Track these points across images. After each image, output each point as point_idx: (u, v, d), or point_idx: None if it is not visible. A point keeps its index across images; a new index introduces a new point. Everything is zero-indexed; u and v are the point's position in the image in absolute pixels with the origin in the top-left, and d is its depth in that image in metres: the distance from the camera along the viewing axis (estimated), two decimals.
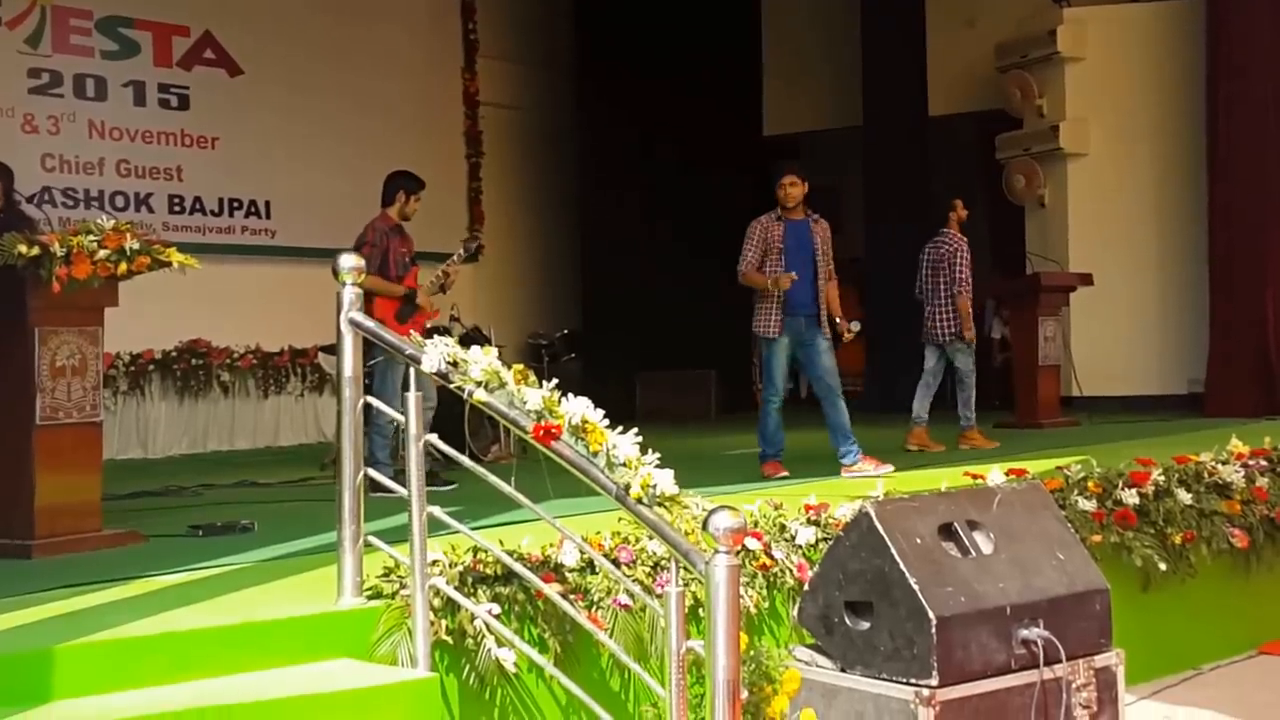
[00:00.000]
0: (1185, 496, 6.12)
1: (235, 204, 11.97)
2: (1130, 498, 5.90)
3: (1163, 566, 5.82)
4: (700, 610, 4.03)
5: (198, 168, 11.69)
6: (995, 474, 5.66)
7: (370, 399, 4.16)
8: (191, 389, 11.38)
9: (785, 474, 7.67)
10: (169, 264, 5.50)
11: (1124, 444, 8.71)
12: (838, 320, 7.93)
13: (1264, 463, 6.76)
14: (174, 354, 11.31)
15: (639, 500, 3.35)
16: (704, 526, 3.05)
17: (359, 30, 12.75)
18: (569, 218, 14.81)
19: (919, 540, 3.90)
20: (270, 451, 11.45)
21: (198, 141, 11.74)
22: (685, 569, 3.24)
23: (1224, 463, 6.55)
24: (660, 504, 3.33)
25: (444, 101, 13.66)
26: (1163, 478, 6.16)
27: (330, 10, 12.55)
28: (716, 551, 3.05)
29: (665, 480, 3.35)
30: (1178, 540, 5.96)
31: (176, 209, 11.58)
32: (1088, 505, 5.75)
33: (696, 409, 13.42)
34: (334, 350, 10.44)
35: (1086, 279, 11.29)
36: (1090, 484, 5.90)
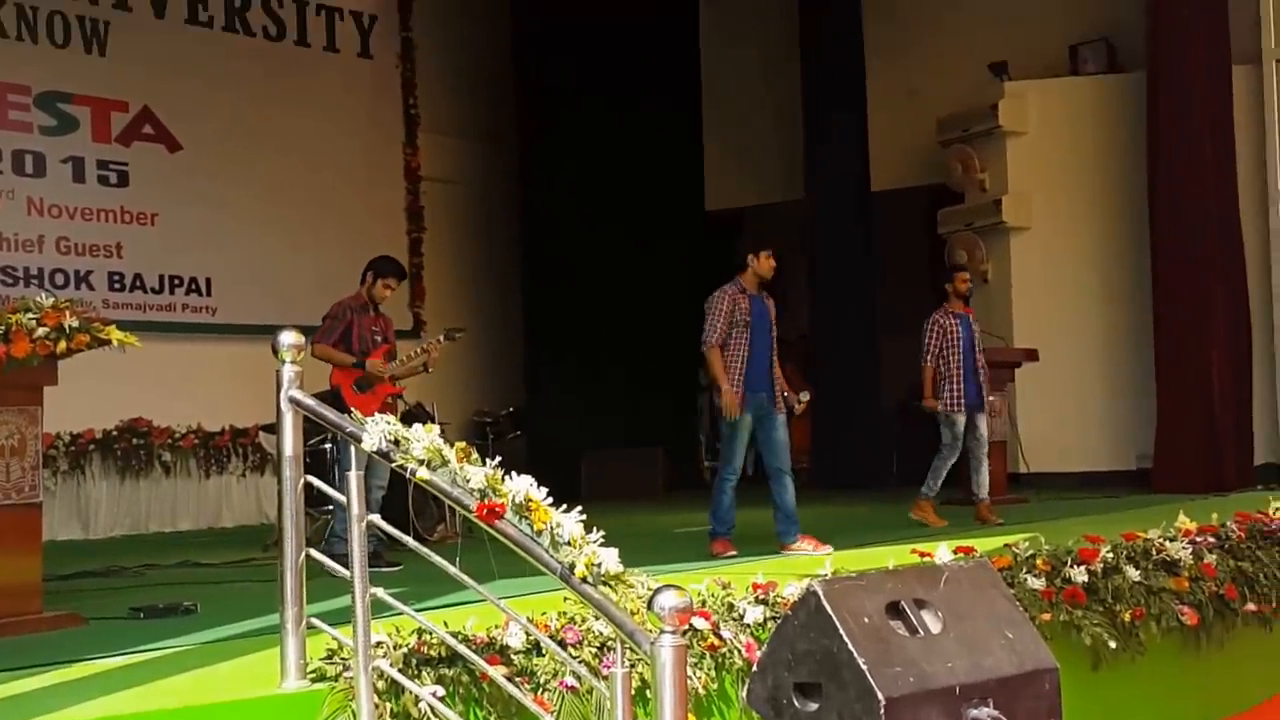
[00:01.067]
0: (1134, 574, 6.08)
1: (175, 281, 11.87)
2: (1079, 575, 5.86)
3: (1112, 644, 5.77)
4: (648, 691, 3.97)
5: (137, 244, 11.61)
6: (943, 551, 5.62)
7: (310, 479, 4.08)
8: (133, 468, 11.23)
9: (734, 553, 7.61)
10: (108, 342, 5.44)
11: (1072, 520, 8.73)
12: (787, 394, 7.93)
13: (1212, 539, 6.72)
14: (115, 433, 11.17)
15: (584, 579, 3.30)
16: (649, 606, 3.00)
17: (298, 106, 12.77)
18: (513, 293, 14.78)
19: (867, 619, 3.84)
20: (213, 532, 11.30)
21: (137, 218, 11.67)
22: (631, 649, 3.19)
23: (1171, 539, 6.53)
24: (605, 583, 3.27)
25: (385, 176, 13.66)
26: (1111, 555, 6.13)
27: (269, 86, 12.55)
28: (662, 632, 3.00)
29: (610, 559, 3.30)
30: (1127, 618, 5.92)
31: (116, 286, 11.47)
32: (1036, 583, 5.72)
33: (643, 487, 13.35)
34: (275, 429, 10.35)
35: (1032, 355, 11.35)
36: (1039, 561, 5.87)
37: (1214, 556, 6.57)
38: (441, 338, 8.33)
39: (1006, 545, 6.16)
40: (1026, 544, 6.07)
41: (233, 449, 11.84)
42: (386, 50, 13.71)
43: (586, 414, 13.69)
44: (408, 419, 5.35)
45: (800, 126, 14.13)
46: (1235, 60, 11.69)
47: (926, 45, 13.76)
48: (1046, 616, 5.60)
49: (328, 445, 8.32)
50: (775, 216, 15.34)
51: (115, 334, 5.44)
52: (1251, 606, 6.60)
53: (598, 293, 13.96)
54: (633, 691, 3.34)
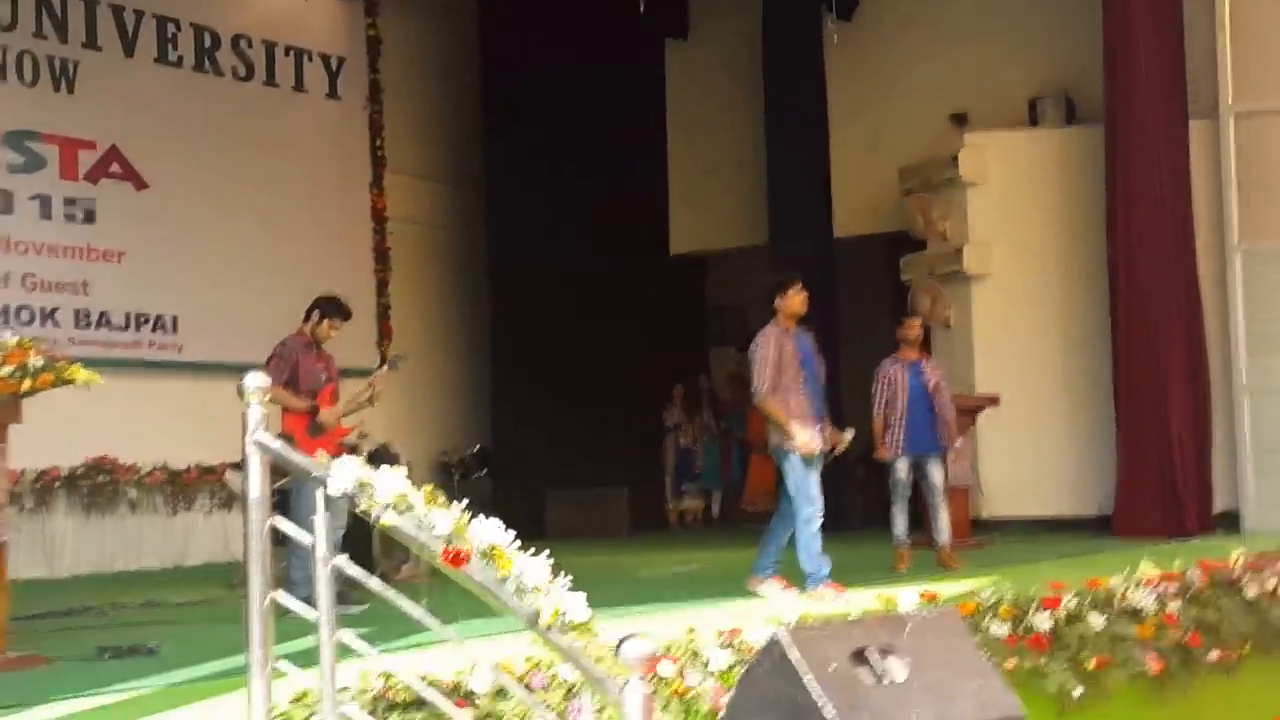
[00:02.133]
0: (1098, 621, 6.10)
1: (142, 319, 11.86)
2: (1043, 622, 5.87)
3: (1077, 692, 5.78)
4: None
5: (104, 282, 11.60)
6: (908, 597, 5.65)
7: (277, 521, 4.07)
8: (99, 506, 11.20)
9: (844, 591, 7.38)
10: (72, 381, 5.42)
11: (1034, 565, 8.79)
12: (830, 433, 7.83)
13: (1174, 587, 6.75)
14: (81, 470, 11.13)
15: (549, 627, 3.30)
16: (616, 653, 3.01)
17: (265, 145, 12.83)
18: (479, 333, 14.82)
19: (833, 668, 3.85)
20: (179, 570, 11.26)
21: (104, 255, 11.68)
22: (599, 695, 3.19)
23: (1135, 587, 6.55)
24: (571, 629, 3.27)
25: (352, 217, 13.72)
26: (1075, 602, 6.14)
27: (236, 125, 12.61)
28: (629, 679, 3.01)
29: (577, 606, 3.30)
30: (1091, 665, 5.91)
31: (83, 324, 11.47)
32: (1000, 630, 5.74)
33: (608, 527, 13.34)
34: (241, 468, 10.24)
35: (993, 400, 11.42)
36: (1003, 609, 5.88)
37: (1177, 604, 6.59)
38: (385, 368, 8.24)
39: (970, 591, 6.19)
40: (991, 590, 6.09)
41: (200, 486, 11.79)
42: (354, 92, 13.79)
43: (552, 454, 13.72)
44: (373, 460, 5.34)
45: (764, 172, 14.20)
46: (1193, 115, 11.76)
47: (889, 95, 13.88)
48: (1011, 664, 5.60)
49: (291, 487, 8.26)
50: (739, 261, 15.44)
51: (80, 373, 5.44)
52: (1215, 655, 6.60)
53: (563, 334, 14.01)
54: None
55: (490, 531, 3.44)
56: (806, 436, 7.47)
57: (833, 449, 7.88)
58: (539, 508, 13.26)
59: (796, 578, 7.78)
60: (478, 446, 13.12)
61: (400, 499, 3.58)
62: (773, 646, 3.89)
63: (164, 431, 11.55)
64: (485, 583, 3.43)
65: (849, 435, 7.99)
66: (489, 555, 3.42)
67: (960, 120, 12.97)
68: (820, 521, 7.52)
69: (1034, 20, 13.20)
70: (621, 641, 3.00)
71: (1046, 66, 13.07)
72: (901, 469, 9.37)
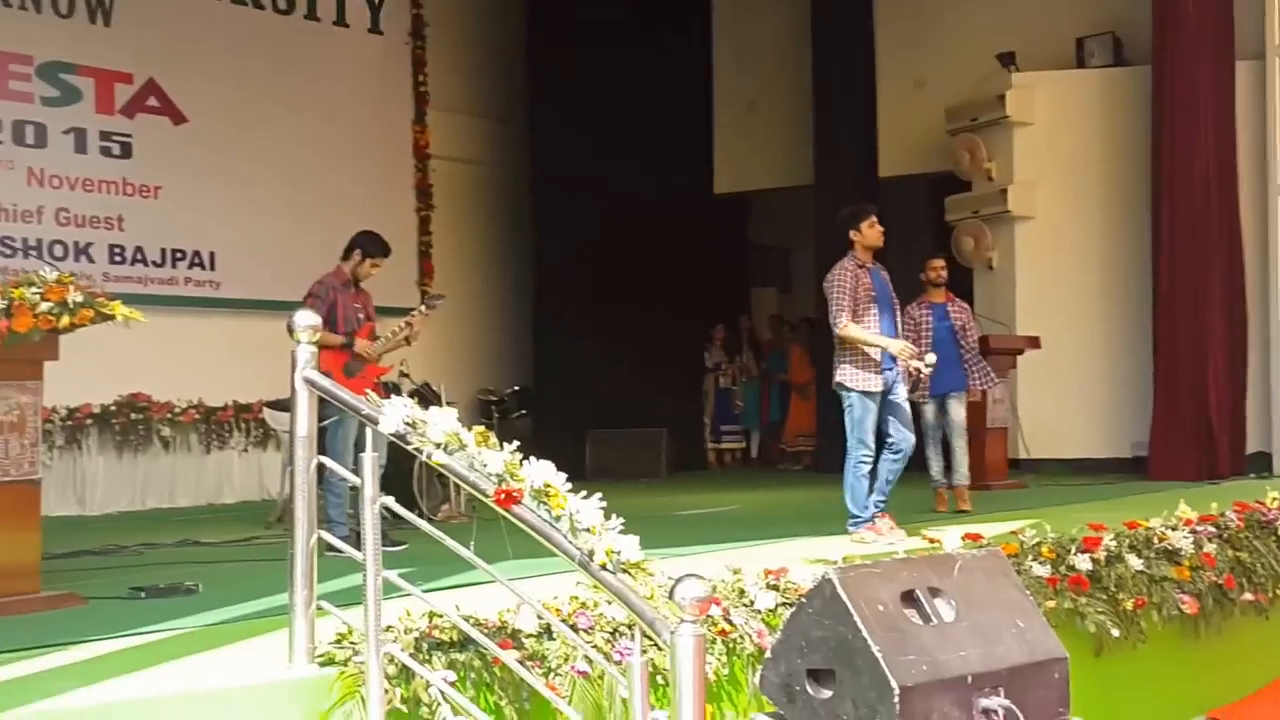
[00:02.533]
0: (1136, 562, 6.12)
1: (178, 255, 11.82)
2: (1083, 563, 5.88)
3: (1115, 633, 5.80)
4: (658, 677, 3.97)
5: (140, 217, 11.55)
6: (952, 538, 5.63)
7: (325, 460, 4.07)
8: (131, 444, 11.19)
9: (900, 533, 7.29)
10: (112, 317, 5.38)
11: (1070, 507, 8.77)
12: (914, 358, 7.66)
13: (1212, 529, 6.77)
14: (113, 408, 11.12)
15: (603, 567, 3.29)
16: (670, 595, 3.00)
17: (306, 80, 12.72)
18: (520, 273, 14.77)
19: (882, 608, 3.84)
20: (213, 509, 11.22)
21: (140, 191, 11.62)
22: (648, 637, 3.18)
23: (1173, 529, 6.57)
24: (625, 570, 3.26)
25: (393, 154, 13.62)
26: (1114, 543, 6.16)
27: (277, 60, 12.50)
28: (682, 621, 2.99)
29: (630, 547, 3.29)
30: (1129, 606, 5.95)
31: (117, 259, 11.43)
32: (1042, 571, 5.74)
33: (646, 468, 13.34)
34: (280, 406, 10.33)
35: (1034, 342, 11.38)
36: (1044, 549, 5.88)
37: (1213, 546, 6.63)
38: (423, 308, 8.11)
39: (1013, 532, 6.17)
40: (1032, 531, 6.08)
41: (235, 424, 11.79)
42: (397, 26, 13.67)
43: (592, 394, 13.71)
44: (414, 398, 5.33)
45: (810, 112, 14.09)
46: (1239, 55, 11.73)
47: (936, 35, 13.73)
48: (1051, 604, 5.61)
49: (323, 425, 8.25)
50: (783, 201, 15.36)
51: (120, 309, 5.38)
52: (1249, 596, 6.68)
53: (605, 273, 13.95)
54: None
55: (544, 471, 3.43)
56: (899, 345, 7.36)
57: (915, 385, 7.76)
58: (579, 448, 13.26)
59: (828, 522, 7.74)
60: (518, 386, 13.10)
61: (452, 438, 3.57)
62: (824, 586, 3.89)
63: (199, 369, 11.51)
64: (537, 523, 3.42)
65: (931, 359, 7.77)
66: (542, 495, 3.41)
67: (1007, 60, 12.82)
68: (868, 466, 7.41)
69: None
70: (676, 584, 2.99)
71: (1094, 7, 12.96)
72: (929, 412, 9.32)
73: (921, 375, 7.80)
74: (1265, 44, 11.70)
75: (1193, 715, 6.45)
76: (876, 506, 7.39)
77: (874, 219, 7.57)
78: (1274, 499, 7.49)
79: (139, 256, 11.56)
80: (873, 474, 7.45)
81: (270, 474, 11.72)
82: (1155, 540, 6.43)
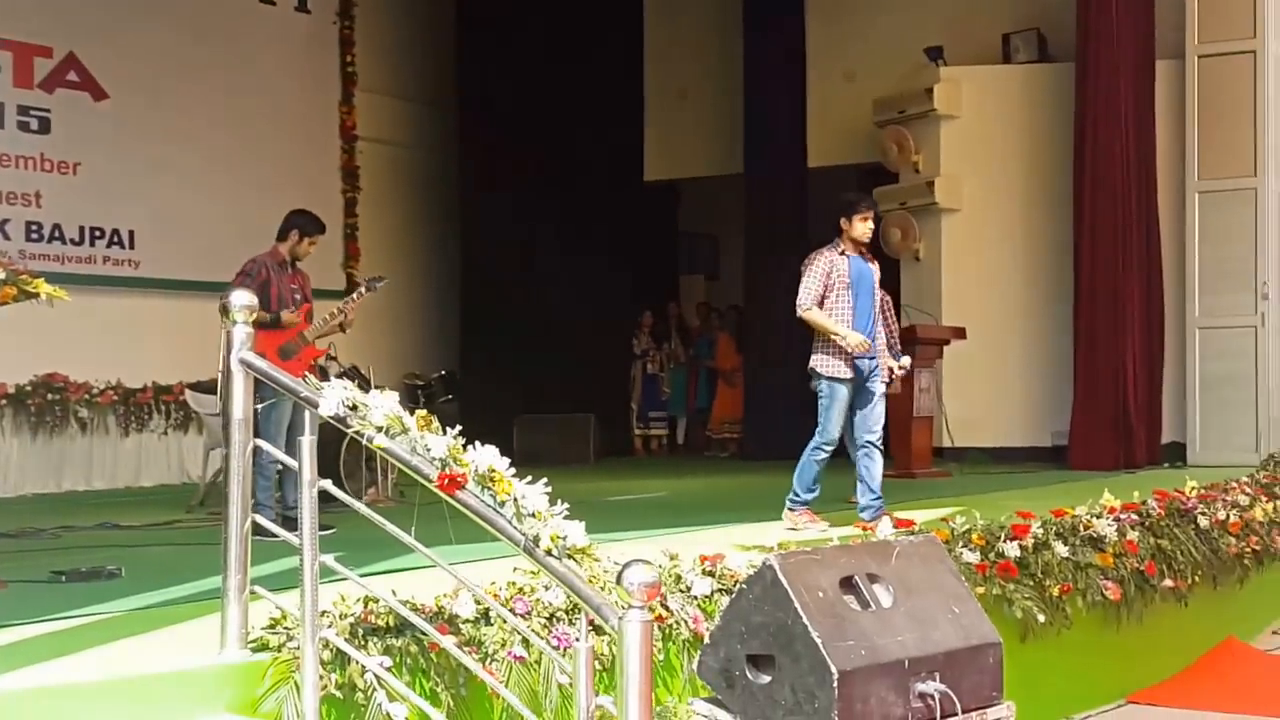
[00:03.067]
0: (1062, 549, 6.23)
1: (97, 233, 11.61)
2: (1012, 550, 5.96)
3: (1041, 618, 5.89)
4: (594, 662, 3.95)
5: (58, 194, 11.33)
6: (885, 525, 5.68)
7: (261, 442, 4.01)
8: (47, 425, 10.98)
9: (824, 524, 7.21)
10: (37, 295, 5.24)
11: (995, 495, 8.90)
12: (896, 350, 7.72)
13: (1134, 517, 6.93)
14: (28, 388, 10.91)
15: (548, 553, 3.26)
16: (618, 581, 2.98)
17: (231, 59, 12.52)
18: (447, 256, 14.67)
19: (821, 594, 3.87)
20: (130, 492, 11.06)
21: (58, 167, 11.39)
22: (595, 624, 3.16)
23: (1098, 516, 6.68)
24: (570, 556, 3.24)
25: (320, 135, 13.47)
26: (1041, 531, 6.25)
27: (202, 37, 12.29)
28: (630, 606, 2.98)
29: (576, 532, 3.27)
30: (1055, 592, 6.06)
31: (34, 236, 11.20)
32: (972, 557, 5.81)
33: (574, 453, 13.32)
34: (204, 388, 10.16)
35: (960, 333, 11.51)
36: (974, 537, 5.95)
37: (1136, 534, 6.77)
38: (363, 289, 8.01)
39: (943, 519, 6.24)
40: (963, 519, 6.15)
41: (154, 406, 11.62)
42: (324, 6, 13.51)
43: (519, 379, 13.68)
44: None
45: (741, 101, 14.15)
46: (1160, 55, 11.98)
47: (865, 29, 13.91)
48: (980, 590, 5.67)
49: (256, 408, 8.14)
50: (712, 189, 15.40)
51: (44, 287, 5.22)
52: (1169, 583, 6.85)
53: (534, 258, 13.93)
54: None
55: (488, 456, 3.40)
56: (857, 339, 7.31)
57: (890, 380, 7.73)
58: (506, 433, 13.20)
59: (758, 509, 7.75)
60: (444, 370, 13.01)
61: (394, 421, 3.53)
62: (764, 572, 3.92)
63: (117, 349, 11.34)
64: (481, 508, 3.39)
65: (906, 361, 7.81)
66: (486, 479, 3.38)
67: (935, 54, 12.98)
68: (826, 455, 7.38)
69: None
70: (624, 569, 2.98)
71: (1020, 4, 13.19)
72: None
73: (894, 375, 7.78)
74: (1185, 44, 11.92)
75: (1114, 698, 6.60)
76: (874, 508, 7.29)
77: (869, 214, 7.52)
78: (1193, 488, 7.70)
79: (57, 234, 11.34)
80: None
81: (190, 457, 11.56)
82: (1081, 528, 6.54)
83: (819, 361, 7.42)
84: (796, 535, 6.88)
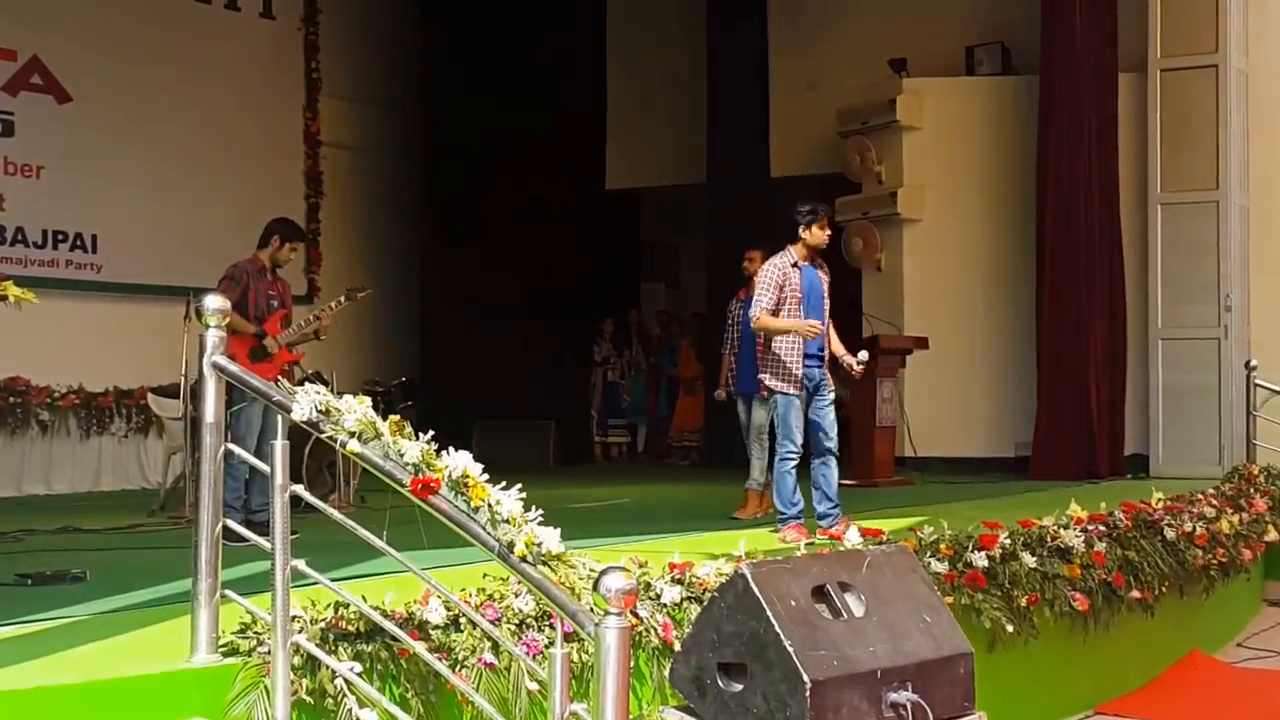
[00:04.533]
0: (1030, 560, 6.24)
1: (60, 236, 11.56)
2: (980, 560, 5.98)
3: (1009, 628, 5.90)
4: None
5: (20, 197, 11.28)
6: (852, 533, 5.69)
7: (233, 446, 3.99)
8: (8, 428, 10.94)
9: (810, 539, 6.94)
10: (4, 299, 5.22)
11: (958, 505, 8.92)
12: (843, 357, 7.69)
13: (1102, 528, 6.94)
14: None
15: (523, 559, 3.26)
16: (594, 588, 2.98)
17: (196, 64, 12.50)
18: (409, 262, 14.65)
19: (793, 602, 3.87)
20: (91, 496, 11.02)
21: (21, 170, 11.35)
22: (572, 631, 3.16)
23: (1065, 527, 6.70)
24: (544, 563, 3.24)
25: (284, 140, 13.45)
26: (1009, 541, 6.27)
27: (167, 42, 12.27)
28: (607, 613, 2.98)
29: (551, 538, 3.27)
30: (1023, 603, 6.06)
31: None
32: (940, 567, 5.82)
33: (534, 460, 13.30)
34: (166, 392, 10.09)
35: (923, 343, 11.54)
36: (943, 546, 5.97)
37: (1103, 545, 6.78)
38: (342, 298, 8.06)
39: (911, 529, 6.26)
40: (930, 529, 6.17)
41: (116, 410, 11.57)
42: (289, 11, 13.50)
43: (480, 386, 13.67)
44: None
45: (703, 110, 14.18)
46: (1123, 68, 12.04)
47: (829, 39, 13.94)
48: (949, 600, 5.68)
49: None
50: (674, 199, 15.40)
51: (13, 290, 5.22)
52: (1136, 594, 6.86)
53: (495, 265, 13.90)
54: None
55: (462, 461, 3.39)
56: (807, 325, 7.34)
57: (848, 376, 7.79)
58: (465, 439, 13.10)
59: (722, 517, 7.74)
60: (404, 377, 12.96)
61: (367, 426, 3.52)
62: (736, 580, 3.91)
63: (79, 353, 11.29)
64: (455, 513, 3.38)
65: (864, 357, 7.81)
66: (460, 485, 3.37)
67: (898, 66, 13.04)
68: (794, 463, 7.38)
69: None
70: (600, 576, 2.98)
71: (984, 16, 13.24)
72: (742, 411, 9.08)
73: (854, 370, 7.79)
74: (1148, 58, 11.99)
75: (1082, 709, 6.63)
76: (832, 516, 7.30)
77: (826, 221, 7.60)
78: (1159, 499, 7.72)
79: (19, 237, 11.30)
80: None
81: (151, 461, 11.50)
82: (1048, 539, 6.55)
83: (768, 379, 7.47)
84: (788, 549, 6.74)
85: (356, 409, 3.59)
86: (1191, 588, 7.59)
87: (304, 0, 13.63)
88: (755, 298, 7.48)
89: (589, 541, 6.69)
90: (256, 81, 13.10)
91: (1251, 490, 9.50)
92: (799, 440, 7.38)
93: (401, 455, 3.49)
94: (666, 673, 4.12)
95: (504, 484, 3.46)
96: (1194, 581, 7.59)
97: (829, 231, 7.65)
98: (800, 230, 7.54)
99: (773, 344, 7.44)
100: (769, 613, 3.80)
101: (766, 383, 7.47)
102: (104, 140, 11.69)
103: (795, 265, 7.53)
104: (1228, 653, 8.10)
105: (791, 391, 7.39)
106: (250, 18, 13.15)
